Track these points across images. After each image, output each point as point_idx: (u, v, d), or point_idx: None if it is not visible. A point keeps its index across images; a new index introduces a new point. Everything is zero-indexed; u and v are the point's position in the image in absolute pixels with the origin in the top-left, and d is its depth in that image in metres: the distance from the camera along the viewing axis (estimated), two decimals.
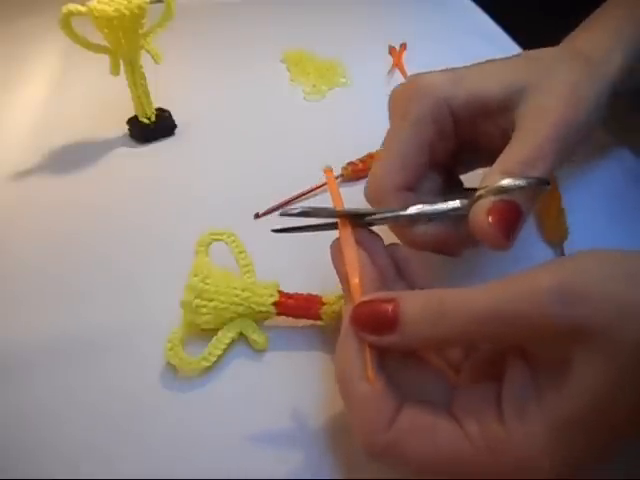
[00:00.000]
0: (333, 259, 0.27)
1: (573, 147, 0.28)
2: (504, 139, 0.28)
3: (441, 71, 0.30)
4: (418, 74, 0.31)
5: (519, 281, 0.21)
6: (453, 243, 0.29)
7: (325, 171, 0.29)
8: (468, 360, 0.25)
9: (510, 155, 0.26)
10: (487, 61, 0.31)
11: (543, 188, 0.25)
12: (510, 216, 0.25)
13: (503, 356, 0.23)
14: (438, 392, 0.24)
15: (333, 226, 0.28)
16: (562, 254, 0.36)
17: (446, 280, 0.29)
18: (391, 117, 0.31)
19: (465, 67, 0.31)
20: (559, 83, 0.28)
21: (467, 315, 0.21)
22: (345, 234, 0.27)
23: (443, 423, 0.22)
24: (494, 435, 0.21)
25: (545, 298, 0.20)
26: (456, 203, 0.27)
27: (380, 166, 0.30)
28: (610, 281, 0.20)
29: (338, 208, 0.27)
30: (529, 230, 0.39)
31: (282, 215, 0.27)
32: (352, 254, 0.26)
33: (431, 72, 0.30)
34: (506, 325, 0.21)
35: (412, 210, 0.28)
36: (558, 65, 0.30)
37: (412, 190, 0.29)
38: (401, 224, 0.29)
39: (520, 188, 0.25)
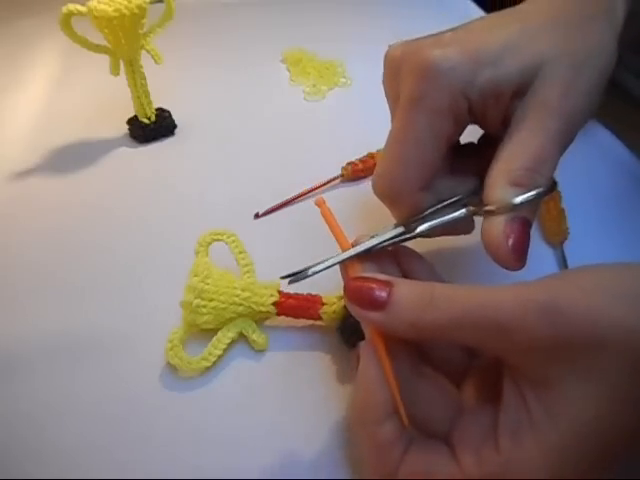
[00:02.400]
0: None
1: (576, 132, 0.27)
2: (505, 123, 0.27)
3: (457, 47, 0.26)
4: (427, 43, 0.26)
5: (511, 291, 0.21)
6: (463, 225, 0.29)
7: (318, 203, 0.27)
8: (469, 376, 0.25)
9: (514, 159, 0.25)
10: (504, 23, 0.28)
11: (550, 194, 0.25)
12: (525, 237, 0.24)
13: (501, 377, 0.23)
14: (444, 415, 0.24)
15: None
16: (562, 255, 0.36)
17: (448, 278, 0.29)
18: (398, 94, 0.27)
19: (482, 35, 0.27)
20: (565, 66, 0.26)
21: (453, 312, 0.21)
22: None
23: (441, 460, 0.22)
24: (489, 465, 0.21)
25: (531, 314, 0.20)
26: (462, 212, 0.27)
27: (394, 161, 0.27)
28: (600, 300, 0.20)
29: (344, 255, 0.27)
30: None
31: (292, 283, 0.27)
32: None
33: (443, 44, 0.26)
34: (488, 331, 0.21)
35: (419, 229, 0.27)
36: (571, 33, 0.26)
37: (428, 189, 0.28)
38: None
39: (530, 201, 0.24)
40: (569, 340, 0.20)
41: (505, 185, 0.25)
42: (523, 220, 0.24)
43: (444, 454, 0.22)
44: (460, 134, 0.29)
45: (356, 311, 0.23)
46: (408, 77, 0.26)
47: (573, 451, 0.20)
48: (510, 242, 0.24)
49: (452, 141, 0.28)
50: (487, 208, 0.25)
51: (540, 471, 0.20)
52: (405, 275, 0.28)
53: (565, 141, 0.26)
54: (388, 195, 0.28)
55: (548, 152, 0.25)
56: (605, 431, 0.19)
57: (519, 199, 0.24)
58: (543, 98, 0.25)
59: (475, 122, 0.28)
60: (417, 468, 0.22)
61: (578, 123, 0.26)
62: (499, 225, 0.24)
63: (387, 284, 0.23)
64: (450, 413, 0.24)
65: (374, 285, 0.23)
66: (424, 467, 0.22)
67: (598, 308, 0.20)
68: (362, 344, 0.24)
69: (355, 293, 0.23)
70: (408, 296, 0.22)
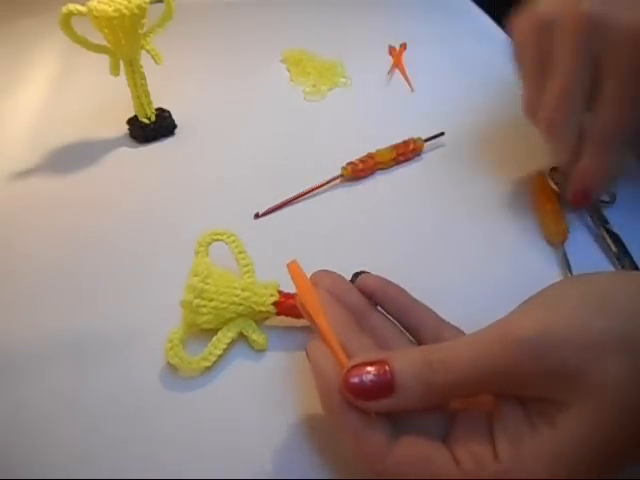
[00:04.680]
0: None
1: None
2: None
3: None
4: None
5: (497, 334, 0.21)
6: None
7: (290, 266, 0.27)
8: None
9: None
10: None
11: None
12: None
13: None
14: (435, 420, 0.23)
15: None
16: (563, 254, 0.36)
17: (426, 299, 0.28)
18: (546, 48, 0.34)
19: None
20: None
21: (456, 377, 0.21)
22: (302, 280, 0.27)
23: (439, 457, 0.22)
24: (488, 473, 0.21)
25: (520, 352, 0.20)
26: None
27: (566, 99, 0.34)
28: (584, 317, 0.21)
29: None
30: (529, 230, 0.39)
31: None
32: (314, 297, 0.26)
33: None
34: (492, 381, 0.21)
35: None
36: None
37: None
38: None
39: None
40: (563, 365, 0.20)
41: None
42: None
43: (442, 449, 0.22)
44: None
45: (366, 405, 0.22)
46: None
47: (573, 462, 0.20)
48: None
49: None
50: None
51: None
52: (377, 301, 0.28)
53: None
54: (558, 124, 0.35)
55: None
56: (605, 442, 0.20)
57: None
58: None
59: None
60: (411, 458, 0.22)
61: None
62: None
63: (383, 364, 0.22)
64: (442, 424, 0.23)
65: (371, 371, 0.22)
66: (420, 456, 0.22)
67: (582, 325, 0.20)
68: (309, 344, 0.24)
69: (357, 389, 0.22)
70: (411, 373, 0.22)
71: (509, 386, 0.22)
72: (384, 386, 0.22)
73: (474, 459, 0.21)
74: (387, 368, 0.22)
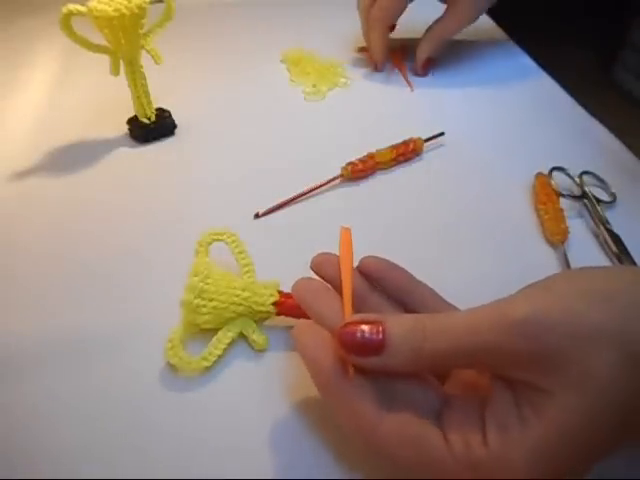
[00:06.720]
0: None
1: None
2: None
3: None
4: None
5: (493, 312, 0.22)
6: None
7: (343, 231, 0.29)
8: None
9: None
10: None
11: None
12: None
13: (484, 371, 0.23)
14: (427, 401, 0.24)
15: None
16: (564, 254, 0.36)
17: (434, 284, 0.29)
18: None
19: None
20: None
21: (447, 345, 0.22)
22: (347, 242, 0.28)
23: (431, 433, 0.22)
24: (477, 457, 0.21)
25: (514, 331, 0.21)
26: None
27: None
28: (578, 306, 0.21)
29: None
30: (529, 230, 0.39)
31: None
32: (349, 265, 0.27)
33: None
34: (481, 356, 0.22)
35: None
36: None
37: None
38: None
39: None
40: (554, 350, 0.20)
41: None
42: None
43: (433, 427, 0.22)
44: None
45: (353, 359, 0.23)
46: None
47: (555, 452, 0.20)
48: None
49: None
50: None
51: (523, 468, 0.20)
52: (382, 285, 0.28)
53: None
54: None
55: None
56: (587, 436, 0.20)
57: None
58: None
59: None
60: (403, 429, 0.22)
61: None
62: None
63: (378, 324, 0.23)
64: (435, 407, 0.24)
65: (365, 329, 0.23)
66: (412, 429, 0.22)
67: (577, 314, 0.20)
68: (295, 327, 0.25)
69: (349, 342, 0.23)
70: (402, 335, 0.22)
71: (497, 364, 0.22)
72: (374, 344, 0.22)
73: (465, 442, 0.21)
74: (380, 328, 0.23)
